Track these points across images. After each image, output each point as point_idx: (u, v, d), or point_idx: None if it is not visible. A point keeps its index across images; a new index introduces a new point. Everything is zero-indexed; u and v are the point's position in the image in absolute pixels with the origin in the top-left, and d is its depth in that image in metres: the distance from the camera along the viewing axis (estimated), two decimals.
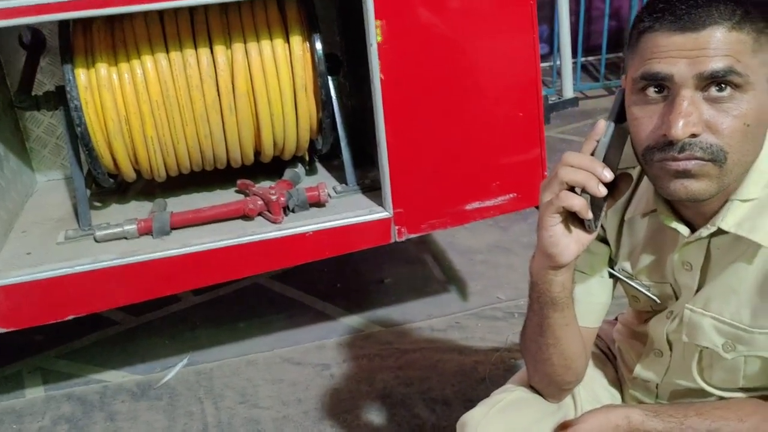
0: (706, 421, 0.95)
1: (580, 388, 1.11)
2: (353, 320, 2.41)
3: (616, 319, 1.25)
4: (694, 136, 0.80)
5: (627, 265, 1.06)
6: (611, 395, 1.19)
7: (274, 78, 1.68)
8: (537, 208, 0.93)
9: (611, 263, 1.09)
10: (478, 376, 2.05)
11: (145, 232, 1.70)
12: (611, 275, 1.09)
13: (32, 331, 2.26)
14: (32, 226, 1.82)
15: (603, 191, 0.85)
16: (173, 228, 1.71)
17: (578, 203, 0.85)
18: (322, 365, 2.17)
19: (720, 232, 0.90)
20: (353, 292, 2.58)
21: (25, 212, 1.92)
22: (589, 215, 0.86)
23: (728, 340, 0.95)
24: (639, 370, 1.10)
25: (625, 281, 1.07)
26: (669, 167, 0.82)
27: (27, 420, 1.99)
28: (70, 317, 1.63)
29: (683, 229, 0.93)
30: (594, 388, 1.17)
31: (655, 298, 1.04)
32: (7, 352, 2.27)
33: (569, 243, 0.89)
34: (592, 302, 1.08)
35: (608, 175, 0.85)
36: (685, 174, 0.82)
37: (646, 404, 1.07)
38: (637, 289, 1.05)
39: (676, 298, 1.01)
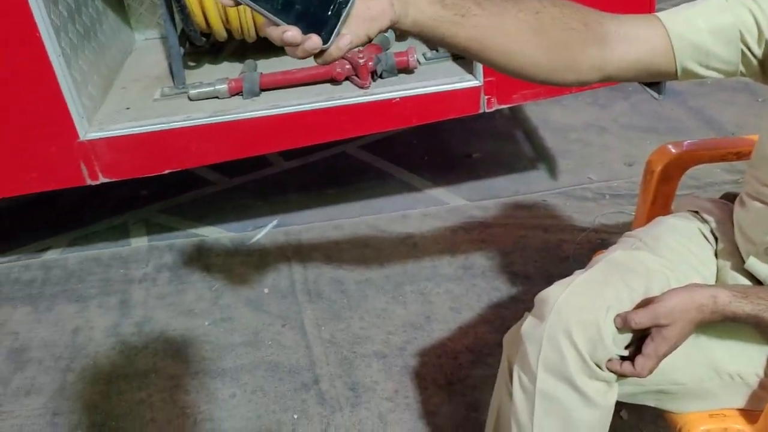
0: None
1: (668, 271, 1.05)
2: (439, 192, 2.41)
3: (726, 197, 1.17)
4: None
5: None
6: (702, 278, 1.13)
7: None
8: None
9: None
10: (562, 254, 2.03)
11: (236, 92, 1.72)
12: None
13: (138, 186, 2.42)
14: (131, 83, 1.88)
15: None
16: (263, 89, 1.72)
17: None
18: (406, 234, 2.20)
19: None
20: (440, 165, 2.56)
21: (125, 69, 1.99)
22: None
23: None
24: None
25: None
26: None
27: (132, 266, 2.16)
28: (166, 171, 1.71)
29: None
30: (684, 271, 1.11)
31: None
32: (115, 205, 2.45)
33: None
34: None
35: None
36: None
37: (735, 285, 1.02)
38: None
39: None
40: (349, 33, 0.73)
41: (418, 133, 2.74)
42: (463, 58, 1.85)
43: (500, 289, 1.94)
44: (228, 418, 1.63)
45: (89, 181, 1.67)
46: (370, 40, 0.77)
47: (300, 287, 2.02)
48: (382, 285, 2.00)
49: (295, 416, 1.63)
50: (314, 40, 0.70)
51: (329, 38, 0.70)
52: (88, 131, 1.61)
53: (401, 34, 1.96)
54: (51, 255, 2.25)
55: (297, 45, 0.71)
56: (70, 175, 1.65)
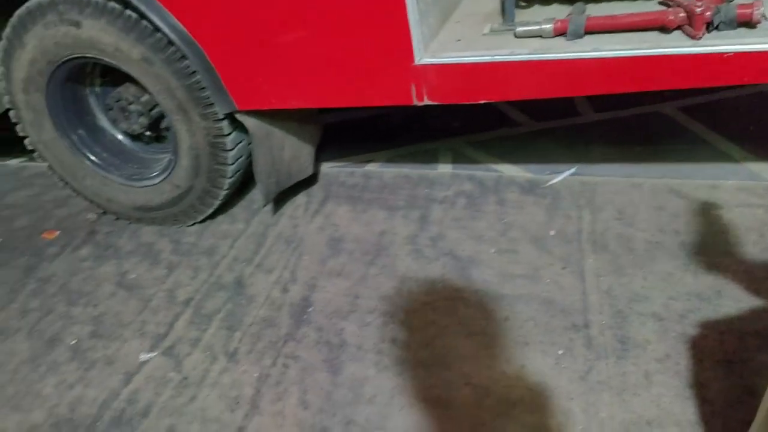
0: None
1: None
2: (760, 167, 2.20)
3: None
4: None
5: None
6: None
7: None
8: None
9: None
10: None
11: (560, 33, 1.77)
12: None
13: (451, 118, 2.63)
14: (465, 18, 2.04)
15: None
16: (587, 32, 1.74)
17: None
18: (711, 204, 2.08)
19: None
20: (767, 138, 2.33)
21: (462, 5, 2.15)
22: None
23: None
24: None
25: None
26: None
27: (436, 188, 2.39)
28: (482, 101, 1.84)
29: None
30: None
31: None
32: (430, 133, 2.70)
33: None
34: None
35: None
36: None
37: None
38: None
39: None
40: None
41: (747, 100, 2.51)
42: None
43: None
44: (499, 337, 1.76)
45: (415, 102, 1.88)
46: None
47: (586, 236, 2.04)
48: (673, 250, 1.93)
49: (561, 352, 1.70)
50: None
51: None
52: (422, 57, 1.81)
53: None
54: (372, 167, 2.59)
55: None
56: (401, 94, 1.87)
